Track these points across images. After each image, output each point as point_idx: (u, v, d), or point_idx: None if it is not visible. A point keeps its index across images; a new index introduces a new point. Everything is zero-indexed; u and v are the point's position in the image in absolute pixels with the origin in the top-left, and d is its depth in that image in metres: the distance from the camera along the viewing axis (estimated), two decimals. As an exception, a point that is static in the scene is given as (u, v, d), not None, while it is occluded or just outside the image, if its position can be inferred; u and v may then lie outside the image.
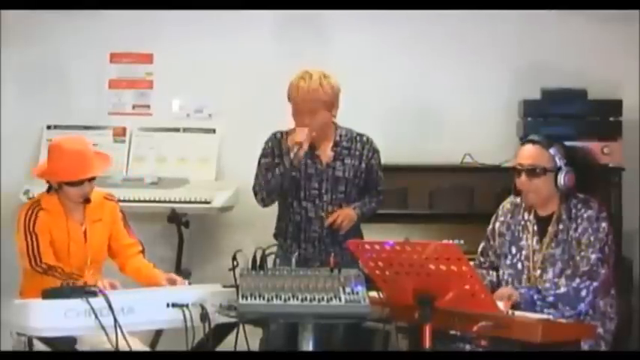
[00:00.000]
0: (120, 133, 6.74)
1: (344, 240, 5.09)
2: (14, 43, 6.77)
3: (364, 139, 5.30)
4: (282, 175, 5.14)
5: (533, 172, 4.60)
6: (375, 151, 5.32)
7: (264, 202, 5.28)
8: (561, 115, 6.37)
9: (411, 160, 6.47)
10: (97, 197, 4.98)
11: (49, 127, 6.73)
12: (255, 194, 5.27)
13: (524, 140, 4.78)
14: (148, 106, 6.88)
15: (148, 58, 6.84)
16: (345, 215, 5.19)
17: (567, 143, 4.80)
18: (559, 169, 4.58)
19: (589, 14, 6.45)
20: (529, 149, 4.65)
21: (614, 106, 6.34)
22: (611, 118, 6.36)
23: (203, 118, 6.79)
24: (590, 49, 6.59)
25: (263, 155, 5.28)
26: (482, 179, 6.26)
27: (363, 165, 5.27)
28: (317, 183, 5.22)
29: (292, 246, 5.22)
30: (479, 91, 6.69)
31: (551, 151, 4.60)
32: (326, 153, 5.23)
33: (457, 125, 6.66)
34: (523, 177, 4.62)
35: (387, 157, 6.06)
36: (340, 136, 5.26)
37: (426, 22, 6.66)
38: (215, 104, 6.78)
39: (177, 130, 6.75)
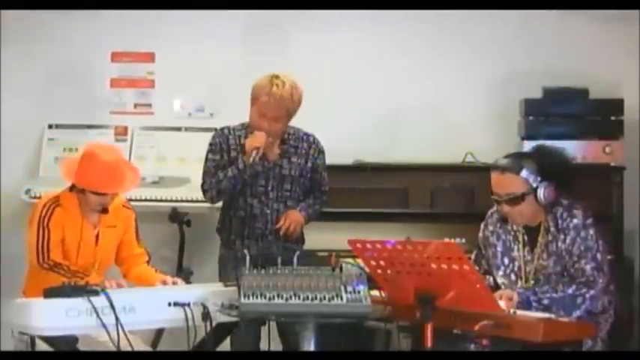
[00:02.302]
0: (121, 132, 6.74)
1: (285, 239, 5.16)
2: (14, 43, 6.76)
3: (311, 139, 5.35)
4: (234, 178, 5.16)
5: (511, 201, 4.53)
6: (321, 152, 5.37)
7: (213, 201, 5.33)
8: (562, 114, 6.37)
9: (411, 160, 6.47)
10: (115, 203, 4.97)
11: (50, 127, 6.73)
12: (205, 192, 5.29)
13: (492, 166, 4.63)
14: (150, 105, 6.88)
15: (149, 57, 6.83)
16: (295, 221, 5.23)
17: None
18: (536, 188, 4.51)
19: (589, 14, 6.45)
20: (500, 179, 4.55)
21: (616, 106, 6.33)
22: (613, 118, 6.35)
23: (204, 118, 6.79)
24: (590, 48, 6.59)
25: (211, 151, 5.30)
26: (483, 179, 6.16)
27: (309, 164, 5.32)
28: (264, 180, 5.25)
29: (235, 242, 5.25)
30: (479, 91, 6.68)
31: (523, 174, 4.49)
32: (273, 151, 5.26)
33: (457, 125, 6.66)
34: (504, 206, 4.57)
35: (387, 157, 6.09)
36: (288, 134, 5.30)
37: (426, 22, 6.65)
38: (216, 103, 6.78)
39: (178, 129, 6.75)
